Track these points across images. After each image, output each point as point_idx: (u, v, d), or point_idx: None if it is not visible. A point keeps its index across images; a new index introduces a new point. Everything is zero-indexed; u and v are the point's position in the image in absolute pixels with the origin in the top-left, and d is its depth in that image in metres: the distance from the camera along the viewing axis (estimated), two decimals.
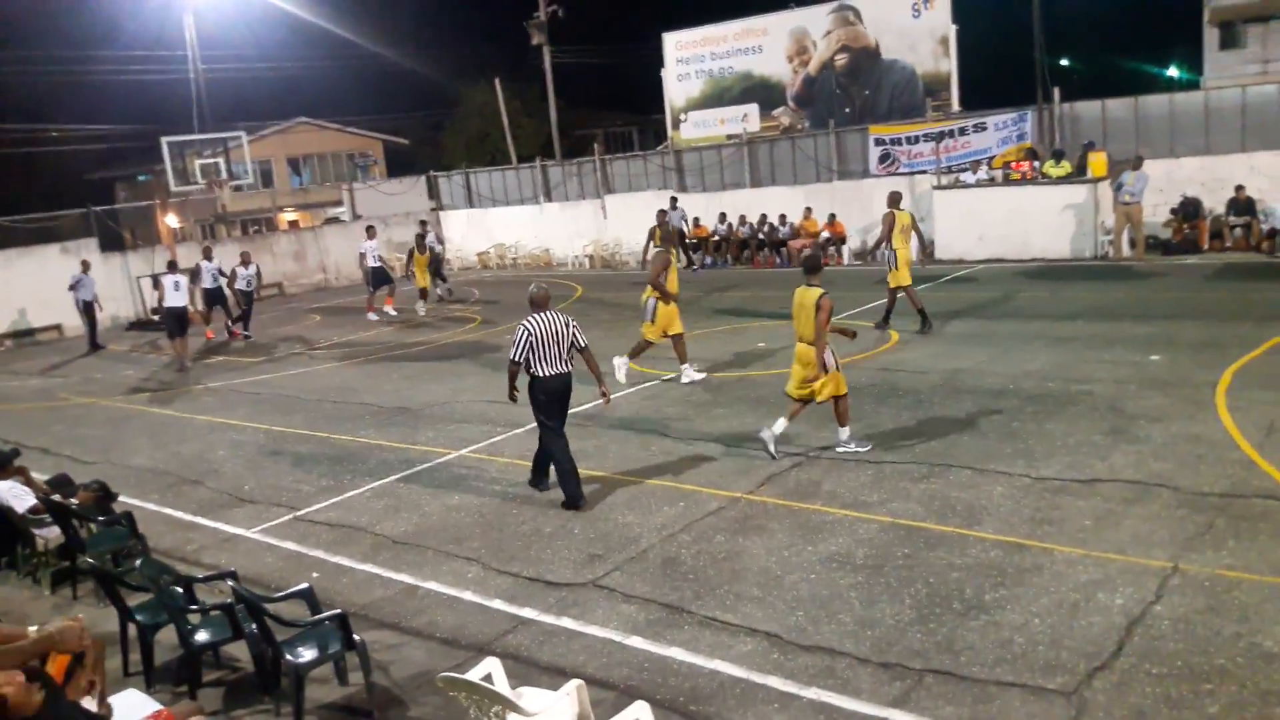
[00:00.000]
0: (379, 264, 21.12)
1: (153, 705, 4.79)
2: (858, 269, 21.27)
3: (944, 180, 21.51)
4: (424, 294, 21.13)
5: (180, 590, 6.01)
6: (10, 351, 22.68)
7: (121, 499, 8.79)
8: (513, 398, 8.16)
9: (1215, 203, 18.98)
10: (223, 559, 7.78)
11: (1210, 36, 33.74)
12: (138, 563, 6.41)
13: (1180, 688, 4.78)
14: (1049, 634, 5.39)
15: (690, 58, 33.18)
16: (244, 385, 15.12)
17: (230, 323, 20.37)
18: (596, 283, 23.81)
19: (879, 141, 24.23)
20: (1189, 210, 19.02)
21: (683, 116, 33.51)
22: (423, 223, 22.41)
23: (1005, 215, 19.74)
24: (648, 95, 40.62)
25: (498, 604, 6.53)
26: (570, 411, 8.40)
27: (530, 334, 7.90)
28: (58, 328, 23.86)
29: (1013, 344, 12.47)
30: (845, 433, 8.81)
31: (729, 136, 30.20)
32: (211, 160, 25.75)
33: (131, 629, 6.08)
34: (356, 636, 5.46)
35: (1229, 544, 6.23)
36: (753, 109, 31.82)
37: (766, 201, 24.70)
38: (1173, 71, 48.09)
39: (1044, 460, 8.07)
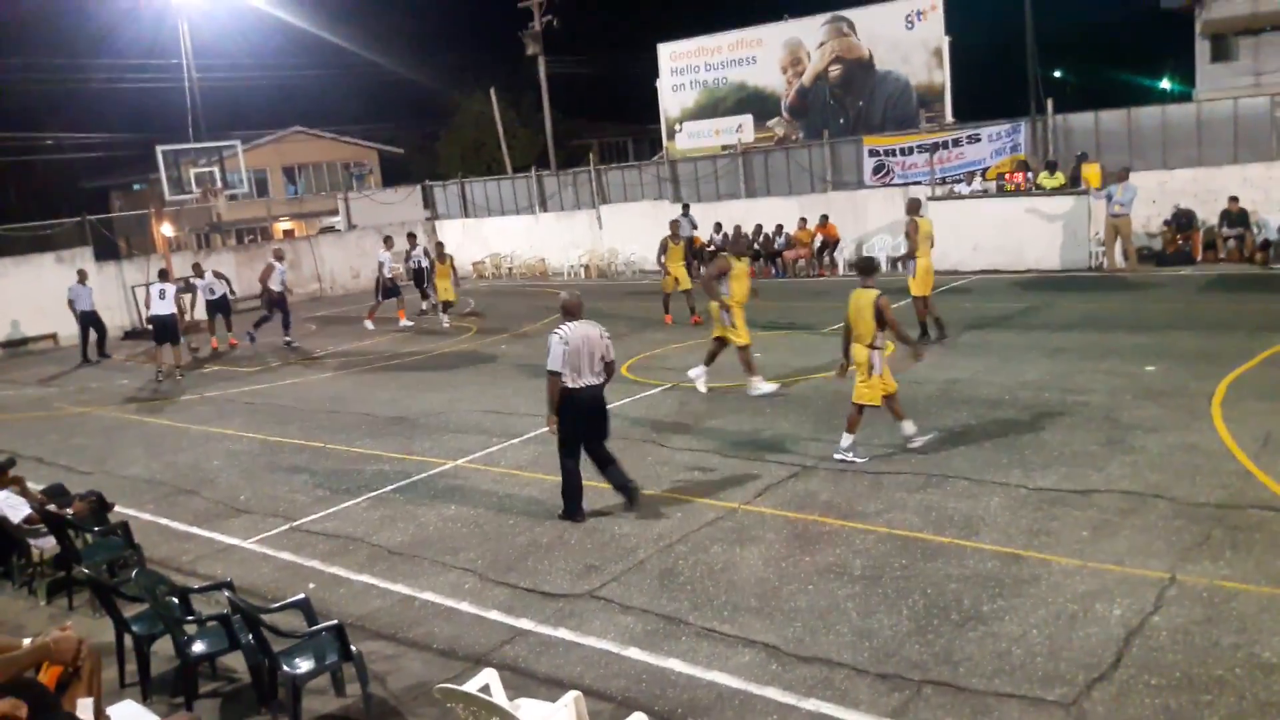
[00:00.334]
0: (393, 275, 21.05)
1: (149, 716, 4.78)
2: (852, 278, 21.28)
3: (938, 191, 21.58)
4: (447, 306, 20.66)
5: (176, 601, 5.99)
6: (4, 361, 22.60)
7: (117, 509, 8.77)
8: (550, 424, 7.89)
9: (1208, 214, 19.06)
10: (219, 569, 7.75)
11: (1202, 49, 33.94)
12: (134, 573, 6.39)
13: (1179, 699, 4.79)
14: (1047, 645, 5.39)
15: (685, 68, 33.26)
16: (239, 395, 15.08)
17: (255, 326, 20.14)
18: (592, 293, 23.73)
19: (873, 152, 24.32)
20: (1182, 222, 19.11)
21: (677, 127, 33.58)
22: (411, 235, 22.39)
23: (999, 226, 19.81)
24: (642, 106, 40.70)
25: (495, 615, 6.51)
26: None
27: (566, 342, 7.67)
28: (53, 336, 23.77)
29: (1008, 354, 12.49)
30: (848, 440, 8.80)
31: (724, 147, 30.26)
32: (206, 169, 25.79)
33: (127, 640, 6.05)
34: (353, 647, 5.45)
35: (1226, 554, 6.25)
36: (747, 120, 31.89)
37: (761, 212, 24.76)
38: (1165, 84, 48.42)
39: (1041, 471, 8.08)
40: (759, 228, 24.25)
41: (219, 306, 20.43)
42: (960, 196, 21.16)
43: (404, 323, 20.89)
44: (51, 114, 47.60)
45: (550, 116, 36.17)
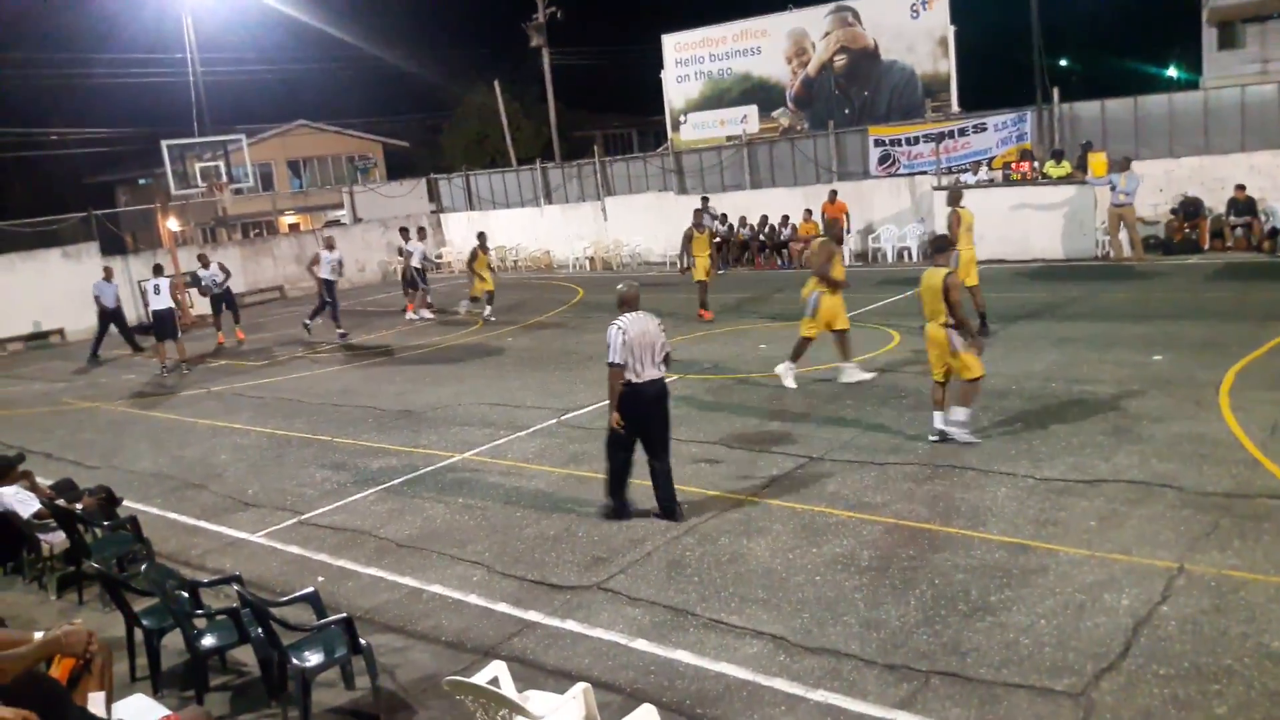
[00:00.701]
0: (421, 267, 21.05)
1: (160, 710, 4.80)
2: (857, 268, 21.25)
3: (944, 181, 21.50)
4: (490, 297, 19.90)
5: (186, 595, 6.02)
6: (12, 356, 22.68)
7: (126, 504, 8.81)
8: (616, 423, 7.48)
9: (1215, 202, 18.97)
10: (227, 563, 7.79)
11: (1209, 36, 33.74)
12: (143, 567, 6.43)
13: (1188, 688, 4.79)
14: (1055, 635, 5.39)
15: (689, 59, 33.21)
16: (246, 389, 15.12)
17: (310, 318, 19.91)
18: (597, 285, 23.79)
19: (879, 142, 24.24)
20: (1189, 210, 19.02)
21: (682, 118, 33.54)
22: (404, 230, 22.42)
23: (1005, 216, 19.72)
24: (647, 97, 40.70)
25: (503, 607, 6.53)
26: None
27: (626, 334, 7.40)
28: (60, 332, 23.86)
29: (1015, 344, 12.47)
30: (962, 413, 8.68)
31: (728, 138, 30.23)
32: (211, 163, 25.73)
33: (138, 634, 6.08)
34: (362, 640, 5.48)
35: (1234, 544, 6.24)
36: (752, 110, 31.86)
37: (766, 203, 24.71)
38: (1172, 71, 48.11)
39: (1048, 461, 8.07)
40: (764, 219, 24.21)
41: (223, 299, 20.44)
42: (966, 186, 21.05)
43: (410, 315, 20.92)
44: (56, 109, 47.79)
45: (555, 108, 36.09)
